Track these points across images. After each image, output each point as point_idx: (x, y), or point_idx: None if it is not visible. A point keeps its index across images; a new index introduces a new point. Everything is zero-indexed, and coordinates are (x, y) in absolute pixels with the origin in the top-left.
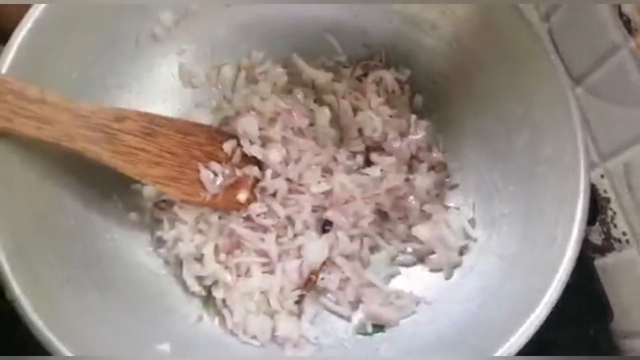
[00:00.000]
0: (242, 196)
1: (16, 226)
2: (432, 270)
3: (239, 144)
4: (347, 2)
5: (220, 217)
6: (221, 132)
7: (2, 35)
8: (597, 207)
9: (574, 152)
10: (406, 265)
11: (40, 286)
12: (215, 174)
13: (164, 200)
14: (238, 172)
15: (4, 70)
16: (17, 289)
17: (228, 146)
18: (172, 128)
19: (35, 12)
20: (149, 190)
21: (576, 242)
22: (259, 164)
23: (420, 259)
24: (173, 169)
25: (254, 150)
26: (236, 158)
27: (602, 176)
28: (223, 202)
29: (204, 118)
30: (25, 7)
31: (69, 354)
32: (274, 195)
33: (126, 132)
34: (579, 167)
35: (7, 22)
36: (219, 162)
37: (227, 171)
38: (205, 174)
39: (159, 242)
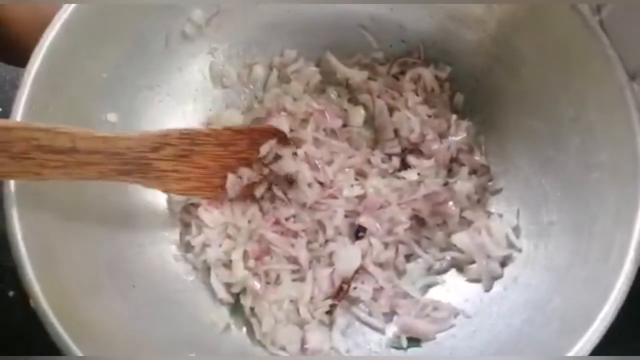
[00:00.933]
0: (258, 192)
1: (44, 229)
2: (470, 280)
3: (279, 141)
4: (386, 2)
5: (249, 222)
6: (266, 132)
7: (22, 58)
8: None
9: (632, 159)
10: (442, 271)
11: (64, 292)
12: (241, 178)
13: (192, 204)
14: (265, 171)
15: (34, 70)
16: (41, 295)
17: (265, 149)
18: (213, 143)
19: (64, 14)
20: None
21: (634, 259)
22: None
23: (460, 268)
24: (200, 181)
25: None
26: (270, 156)
27: None
28: (237, 197)
29: (235, 119)
30: (40, 28)
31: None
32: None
33: (161, 159)
34: (638, 175)
35: (27, 42)
36: (251, 165)
37: (254, 174)
38: (232, 181)
39: (187, 247)
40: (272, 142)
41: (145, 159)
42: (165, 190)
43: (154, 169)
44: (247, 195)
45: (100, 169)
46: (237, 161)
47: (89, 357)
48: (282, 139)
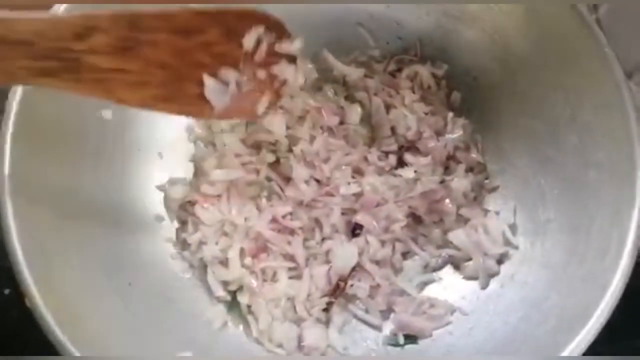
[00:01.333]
0: (262, 106)
1: (39, 229)
2: (467, 277)
3: (268, 30)
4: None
5: (246, 219)
6: (247, 16)
7: None
8: None
9: (629, 157)
10: (438, 269)
11: (60, 291)
12: (226, 83)
13: (189, 202)
14: (260, 74)
15: None
16: (37, 295)
17: (249, 41)
18: (167, 29)
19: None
20: (174, 191)
21: (631, 257)
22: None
23: (456, 266)
24: (165, 87)
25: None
26: (260, 54)
27: None
28: (236, 113)
29: None
30: None
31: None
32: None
33: (94, 51)
34: (636, 174)
35: None
36: (235, 64)
37: (244, 77)
38: (212, 87)
39: (184, 245)
40: (258, 30)
41: (69, 51)
42: (118, 101)
43: (86, 66)
44: (246, 112)
45: (2, 66)
46: (213, 58)
47: (86, 357)
48: (274, 25)
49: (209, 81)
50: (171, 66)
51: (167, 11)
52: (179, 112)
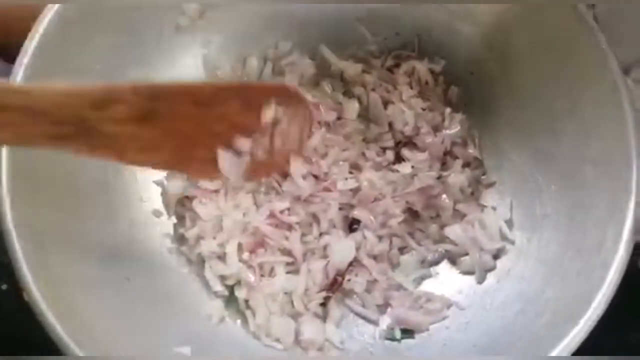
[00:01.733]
0: (294, 168)
1: (36, 223)
2: (463, 272)
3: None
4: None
5: (244, 214)
6: (267, 90)
7: (8, 53)
8: None
9: (625, 152)
10: (435, 264)
11: (58, 285)
12: (239, 153)
13: (187, 197)
14: (279, 144)
15: (25, 60)
16: (34, 288)
17: (268, 115)
18: (186, 101)
19: (54, 6)
20: (172, 186)
21: (626, 250)
22: None
23: (453, 260)
24: (178, 152)
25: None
26: (283, 124)
27: None
28: (242, 179)
29: None
30: (30, 22)
31: (83, 354)
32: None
33: (112, 120)
34: (631, 169)
35: (18, 36)
36: (250, 134)
37: (260, 148)
38: (226, 159)
39: (181, 240)
40: (272, 109)
41: (87, 120)
42: (129, 162)
43: (102, 133)
44: (255, 177)
45: (17, 131)
46: (229, 128)
47: (86, 357)
48: (292, 96)
49: (222, 153)
50: (187, 134)
51: (192, 85)
52: (191, 175)
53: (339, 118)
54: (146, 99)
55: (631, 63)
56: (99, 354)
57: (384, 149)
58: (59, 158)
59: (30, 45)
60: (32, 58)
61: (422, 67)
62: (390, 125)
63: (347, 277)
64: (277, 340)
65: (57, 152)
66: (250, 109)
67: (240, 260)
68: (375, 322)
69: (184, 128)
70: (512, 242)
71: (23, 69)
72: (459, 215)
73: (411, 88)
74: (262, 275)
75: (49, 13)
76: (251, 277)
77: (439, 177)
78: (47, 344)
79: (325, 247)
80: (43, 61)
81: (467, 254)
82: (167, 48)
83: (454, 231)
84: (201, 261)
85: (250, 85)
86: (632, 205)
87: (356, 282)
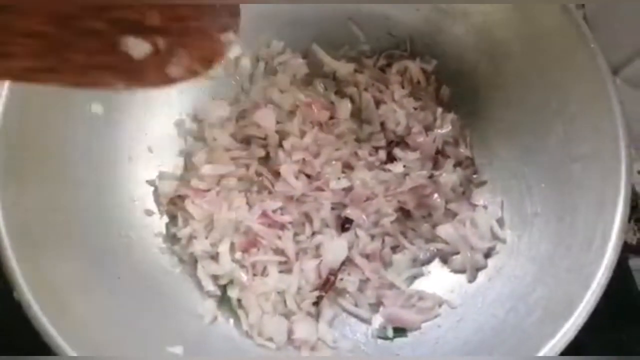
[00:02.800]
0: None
1: (27, 220)
2: (455, 271)
3: None
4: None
5: (236, 214)
6: None
7: None
8: (632, 205)
9: (614, 151)
10: (427, 262)
11: (48, 284)
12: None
13: (179, 196)
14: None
15: None
16: (25, 287)
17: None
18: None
19: None
20: (164, 186)
21: (615, 248)
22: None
23: (444, 259)
24: (40, 56)
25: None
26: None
27: (638, 172)
28: (146, 80)
29: (222, 110)
30: None
31: (75, 354)
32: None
33: None
34: (620, 167)
35: None
36: (146, 32)
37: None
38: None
39: (174, 240)
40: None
41: None
42: None
43: None
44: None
45: None
46: (113, 25)
47: (80, 357)
48: None
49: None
50: (46, 34)
51: None
52: (68, 84)
53: (331, 117)
54: None
55: (620, 63)
56: (90, 354)
57: (376, 149)
58: (50, 155)
59: None
60: None
61: (414, 67)
62: (383, 124)
63: (339, 276)
64: (270, 339)
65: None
66: None
67: (233, 259)
68: (367, 321)
69: (38, 27)
70: (503, 241)
71: None
72: (451, 215)
73: (403, 88)
74: (254, 275)
75: None
76: (244, 277)
77: (430, 177)
78: (37, 342)
79: (317, 247)
80: None
81: (458, 253)
82: None
83: (445, 230)
84: (193, 261)
85: None
86: (621, 204)
87: (349, 281)
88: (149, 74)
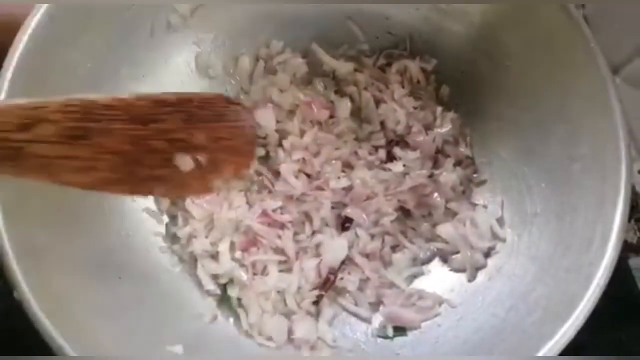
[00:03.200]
0: (219, 181)
1: (27, 220)
2: (454, 270)
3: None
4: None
5: (236, 213)
6: (208, 102)
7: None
8: (632, 204)
9: (614, 151)
10: (427, 262)
11: (49, 283)
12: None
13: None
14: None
15: (14, 62)
16: (25, 287)
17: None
18: (123, 118)
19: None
20: None
21: (615, 248)
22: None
23: (444, 259)
24: (115, 171)
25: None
26: (225, 140)
27: (638, 172)
28: (190, 190)
29: None
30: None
31: (74, 354)
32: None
33: (39, 141)
34: (620, 167)
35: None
36: (195, 150)
37: (203, 160)
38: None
39: (174, 239)
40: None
41: (11, 142)
42: (64, 184)
43: (29, 154)
44: (204, 187)
45: None
46: (170, 144)
47: (80, 357)
48: (231, 104)
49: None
50: (124, 152)
51: (124, 100)
52: (129, 193)
53: (331, 117)
54: (77, 116)
55: (620, 62)
56: (90, 354)
57: (376, 148)
58: None
59: (18, 47)
60: (21, 57)
61: (413, 66)
62: (382, 123)
63: (339, 275)
64: (270, 338)
65: None
66: (190, 123)
67: (233, 258)
68: (367, 320)
69: (120, 146)
70: (503, 240)
71: (12, 70)
72: (451, 214)
73: (403, 87)
74: (254, 274)
75: (39, 12)
76: (244, 276)
77: (430, 176)
78: (37, 341)
79: (317, 246)
80: (33, 59)
81: (458, 252)
82: (159, 47)
83: (445, 229)
84: (193, 260)
85: (187, 98)
86: (621, 203)
87: (349, 280)
88: (193, 184)
